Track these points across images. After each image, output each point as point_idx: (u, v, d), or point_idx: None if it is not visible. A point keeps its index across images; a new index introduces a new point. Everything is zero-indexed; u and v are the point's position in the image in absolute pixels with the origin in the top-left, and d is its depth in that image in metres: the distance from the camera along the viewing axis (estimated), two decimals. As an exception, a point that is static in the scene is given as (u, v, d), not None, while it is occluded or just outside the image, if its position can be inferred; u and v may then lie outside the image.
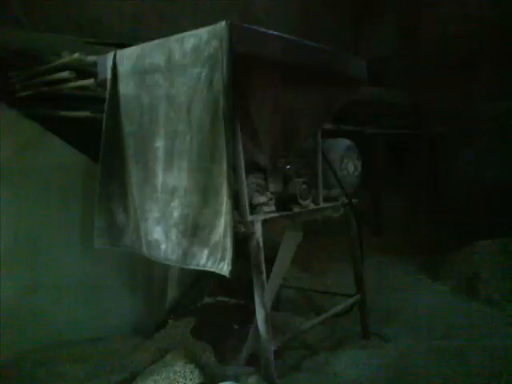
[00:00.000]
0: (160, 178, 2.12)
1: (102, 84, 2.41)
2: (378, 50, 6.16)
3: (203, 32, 1.91)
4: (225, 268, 1.90)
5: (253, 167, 2.33)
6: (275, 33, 2.03)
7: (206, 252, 1.97)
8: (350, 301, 2.89)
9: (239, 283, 2.39)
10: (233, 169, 1.94)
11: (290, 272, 3.66)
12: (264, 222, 2.16)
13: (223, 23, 1.83)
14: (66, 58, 2.53)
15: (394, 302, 3.58)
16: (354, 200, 2.84)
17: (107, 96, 2.28)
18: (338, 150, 2.82)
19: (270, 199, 2.28)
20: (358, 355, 2.68)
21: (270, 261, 2.46)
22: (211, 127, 1.92)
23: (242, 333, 2.64)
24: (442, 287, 3.94)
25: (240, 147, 2.01)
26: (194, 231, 2.00)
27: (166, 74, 2.06)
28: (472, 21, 5.31)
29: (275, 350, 2.18)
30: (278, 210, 2.31)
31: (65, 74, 2.54)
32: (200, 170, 1.97)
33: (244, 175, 2.05)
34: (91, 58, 2.47)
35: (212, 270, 1.95)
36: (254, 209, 2.19)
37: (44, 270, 2.70)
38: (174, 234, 2.07)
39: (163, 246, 2.12)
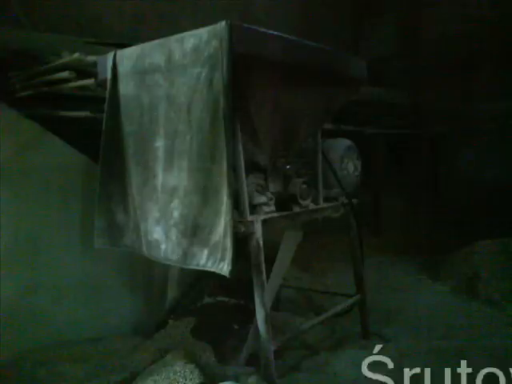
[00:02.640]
0: (160, 178, 2.12)
1: (101, 84, 2.41)
2: (378, 50, 6.16)
3: (203, 32, 1.91)
4: (225, 268, 1.90)
5: (253, 167, 2.33)
6: (275, 33, 2.03)
7: (205, 252, 1.97)
8: (350, 301, 2.89)
9: (239, 283, 2.39)
10: (233, 169, 1.94)
11: (290, 272, 3.66)
12: (264, 221, 2.16)
13: (223, 23, 1.83)
14: (66, 58, 2.53)
15: (394, 301, 3.57)
16: (353, 200, 2.84)
17: (107, 96, 2.29)
18: (338, 150, 2.82)
19: (270, 199, 2.28)
20: (357, 355, 2.67)
21: (270, 261, 2.45)
22: (211, 127, 1.92)
23: (241, 333, 2.64)
24: (441, 287, 3.94)
25: (240, 147, 2.01)
26: (194, 231, 2.00)
27: (166, 74, 2.06)
28: (472, 21, 5.30)
29: (275, 350, 2.18)
30: (278, 210, 2.31)
31: (65, 74, 2.55)
32: (200, 169, 1.97)
33: (244, 175, 2.05)
34: (91, 58, 2.47)
35: (212, 269, 1.95)
36: (253, 209, 2.19)
37: (44, 270, 2.70)
38: (173, 234, 2.07)
39: (163, 246, 2.12)
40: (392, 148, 6.06)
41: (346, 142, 2.90)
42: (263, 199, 2.23)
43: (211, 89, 1.91)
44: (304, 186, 2.46)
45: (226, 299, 3.16)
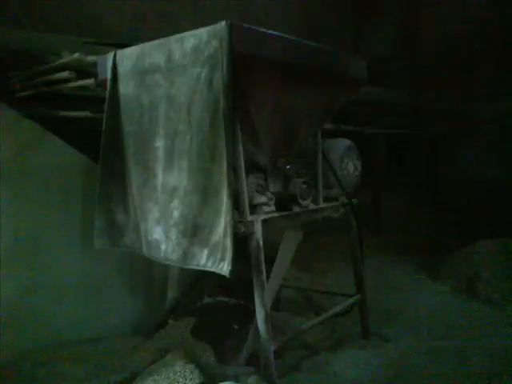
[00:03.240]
0: (160, 178, 2.12)
1: (101, 84, 2.41)
2: (378, 50, 6.17)
3: (203, 32, 1.91)
4: (225, 268, 1.90)
5: (253, 167, 2.33)
6: (275, 33, 2.03)
7: (205, 252, 1.97)
8: (350, 301, 2.89)
9: (239, 283, 2.39)
10: (233, 169, 1.94)
11: (290, 272, 3.66)
12: (264, 221, 2.16)
13: (223, 23, 1.83)
14: (66, 58, 2.53)
15: (394, 301, 3.57)
16: (353, 200, 2.84)
17: (107, 96, 2.29)
18: (337, 150, 2.82)
19: (270, 199, 2.28)
20: (357, 355, 2.68)
21: (270, 261, 2.45)
22: (211, 127, 1.92)
23: (242, 333, 2.64)
24: (441, 287, 3.94)
25: (240, 147, 2.01)
26: (194, 231, 2.00)
27: (166, 74, 2.06)
28: (472, 21, 5.31)
29: (275, 350, 2.18)
30: (278, 210, 2.31)
31: (65, 74, 2.55)
32: (200, 169, 1.97)
33: (244, 175, 2.05)
34: (91, 58, 2.47)
35: (212, 269, 1.95)
36: (253, 209, 2.19)
37: (44, 270, 2.70)
38: (173, 234, 2.07)
39: (163, 246, 2.12)
40: (392, 148, 6.07)
41: (346, 142, 2.90)
42: (263, 199, 2.23)
43: (211, 89, 1.90)
44: (304, 185, 2.46)
45: (226, 299, 3.16)
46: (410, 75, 5.90)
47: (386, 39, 6.28)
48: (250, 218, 2.09)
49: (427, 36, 5.88)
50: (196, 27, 1.95)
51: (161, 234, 2.13)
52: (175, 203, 2.06)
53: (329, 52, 2.39)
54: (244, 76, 1.92)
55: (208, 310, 3.08)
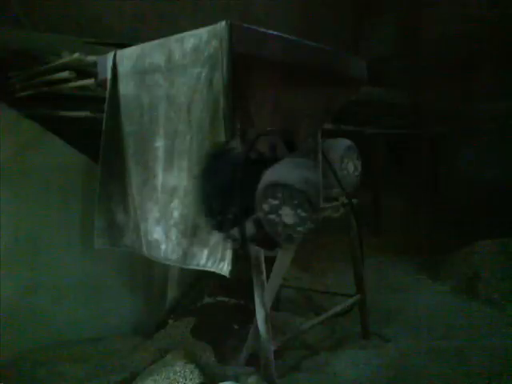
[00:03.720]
0: (160, 178, 2.12)
1: (101, 84, 2.41)
2: (378, 50, 6.16)
3: (203, 32, 1.91)
4: (225, 268, 1.90)
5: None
6: (275, 33, 2.03)
7: (205, 252, 1.97)
8: (350, 301, 2.89)
9: (239, 283, 2.39)
10: (233, 169, 1.94)
11: (290, 272, 3.66)
12: (264, 221, 2.15)
13: (223, 23, 1.83)
14: (66, 58, 2.53)
15: (394, 301, 3.57)
16: (353, 200, 2.84)
17: (107, 96, 2.29)
18: (337, 149, 2.82)
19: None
20: (357, 355, 2.68)
21: (270, 261, 2.45)
22: (211, 127, 1.92)
23: (242, 333, 2.64)
24: (441, 287, 3.94)
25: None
26: (194, 231, 2.00)
27: (166, 74, 2.06)
28: (472, 21, 5.30)
29: (275, 350, 2.18)
30: (277, 209, 2.31)
31: (65, 74, 2.54)
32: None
33: (244, 175, 2.05)
34: (91, 58, 2.47)
35: (212, 269, 1.95)
36: (253, 209, 2.19)
37: (44, 270, 2.70)
38: (173, 234, 2.07)
39: (163, 246, 2.12)
40: (392, 148, 6.06)
41: (346, 142, 2.90)
42: (263, 199, 2.23)
43: (211, 89, 1.91)
44: (304, 185, 2.45)
45: (226, 299, 3.16)
46: (410, 75, 5.89)
47: (386, 39, 6.28)
48: (250, 217, 2.09)
49: (427, 36, 5.87)
50: (196, 27, 1.95)
51: (161, 234, 2.13)
52: (175, 203, 2.06)
53: (329, 52, 2.39)
54: (244, 76, 1.91)
55: (208, 310, 3.08)
